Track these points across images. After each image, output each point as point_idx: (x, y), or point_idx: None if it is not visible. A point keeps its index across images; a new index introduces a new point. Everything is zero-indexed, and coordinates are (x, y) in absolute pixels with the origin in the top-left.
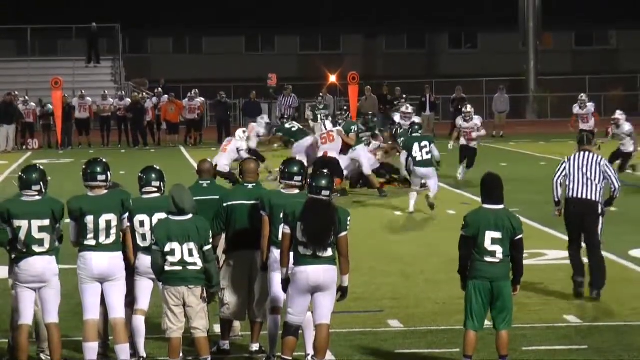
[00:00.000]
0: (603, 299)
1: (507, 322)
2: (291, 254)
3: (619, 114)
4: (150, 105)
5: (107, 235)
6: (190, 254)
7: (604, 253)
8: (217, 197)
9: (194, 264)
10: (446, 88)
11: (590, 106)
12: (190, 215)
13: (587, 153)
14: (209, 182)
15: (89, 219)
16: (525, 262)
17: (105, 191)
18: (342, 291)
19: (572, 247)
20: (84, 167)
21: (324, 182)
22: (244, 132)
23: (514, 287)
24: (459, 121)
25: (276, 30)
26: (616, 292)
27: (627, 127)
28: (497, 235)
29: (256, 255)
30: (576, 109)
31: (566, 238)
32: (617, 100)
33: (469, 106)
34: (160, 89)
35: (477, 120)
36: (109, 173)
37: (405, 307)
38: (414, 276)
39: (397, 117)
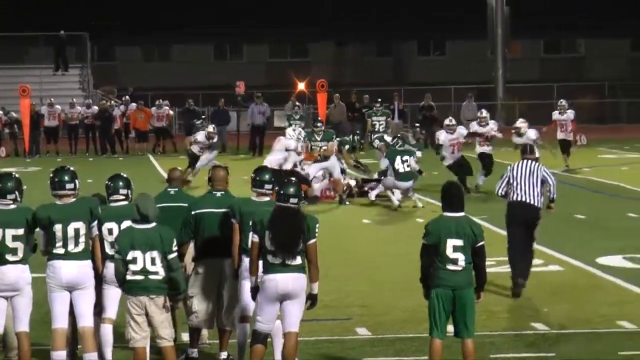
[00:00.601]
0: (571, 307)
1: (471, 331)
2: (260, 262)
3: (520, 122)
4: (118, 113)
5: (76, 244)
6: (153, 262)
7: (572, 260)
8: (184, 204)
9: (156, 273)
10: (415, 96)
11: (570, 113)
12: (153, 224)
13: (529, 161)
14: (176, 189)
15: (58, 228)
16: (492, 269)
17: (74, 199)
18: (312, 299)
19: (513, 249)
20: (51, 175)
21: (292, 189)
22: (293, 130)
23: (477, 294)
24: (474, 127)
25: (245, 38)
26: (584, 299)
27: (532, 134)
28: (459, 242)
29: (225, 263)
30: (555, 115)
31: (536, 245)
32: (585, 108)
33: (484, 111)
34: (128, 97)
35: (492, 124)
36: (76, 181)
37: (374, 314)
38: (383, 284)
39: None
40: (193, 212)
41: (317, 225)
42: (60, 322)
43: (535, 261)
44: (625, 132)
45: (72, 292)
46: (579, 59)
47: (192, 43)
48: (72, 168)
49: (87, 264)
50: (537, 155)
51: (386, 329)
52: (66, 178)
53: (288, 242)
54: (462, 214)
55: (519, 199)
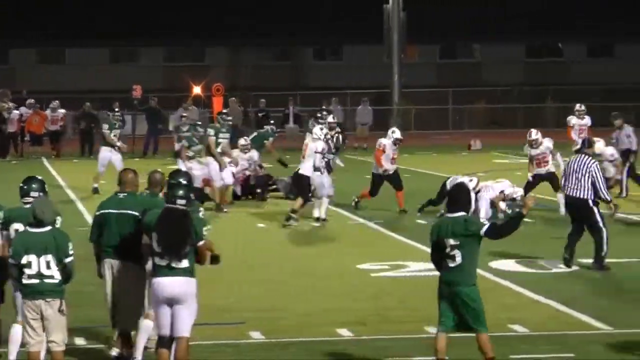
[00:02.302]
0: None
1: (478, 324)
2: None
3: (535, 134)
4: (16, 117)
5: None
6: (48, 266)
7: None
8: (133, 210)
9: (52, 277)
10: (311, 100)
11: (588, 119)
12: (48, 228)
13: (583, 156)
14: (125, 194)
15: None
16: (386, 273)
17: None
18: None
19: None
20: None
21: (180, 191)
22: (321, 129)
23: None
24: (526, 150)
25: (141, 41)
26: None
27: (549, 143)
28: (455, 241)
29: (125, 265)
30: (573, 120)
31: (427, 250)
32: (480, 113)
33: (533, 132)
34: (29, 100)
35: (548, 142)
36: None
37: (268, 319)
38: (278, 288)
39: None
40: (97, 213)
41: (206, 228)
42: None
43: (428, 265)
44: (520, 137)
45: None
46: (475, 65)
47: (88, 46)
48: None
49: None
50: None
51: (280, 333)
52: None
53: (174, 244)
54: (461, 214)
55: (567, 192)
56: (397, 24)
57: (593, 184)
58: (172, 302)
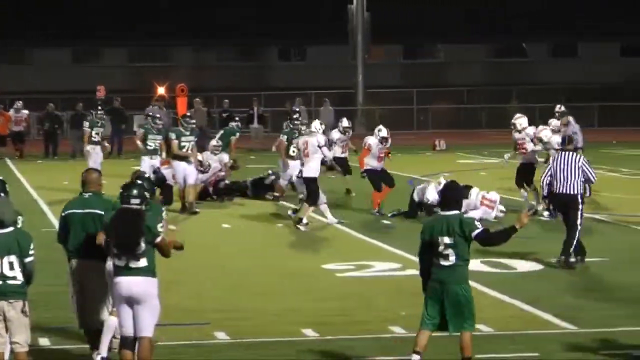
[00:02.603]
0: None
1: (464, 326)
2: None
3: (517, 117)
4: None
5: None
6: (11, 267)
7: None
8: (98, 209)
9: (14, 277)
10: (276, 101)
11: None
12: (11, 228)
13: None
14: (90, 194)
15: None
16: (351, 274)
17: None
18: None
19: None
20: None
21: (134, 191)
22: (320, 124)
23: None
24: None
25: (104, 41)
26: None
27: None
28: (449, 240)
29: (90, 264)
30: (554, 122)
31: (392, 250)
32: (444, 113)
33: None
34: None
35: (530, 130)
36: None
37: (233, 319)
38: (244, 288)
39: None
40: (63, 214)
41: (160, 225)
42: None
43: (393, 265)
44: (484, 138)
45: None
46: (439, 65)
47: (51, 46)
48: None
49: None
50: (577, 146)
51: (245, 333)
52: None
53: (128, 243)
54: (455, 212)
55: (557, 191)
56: (361, 24)
57: (585, 179)
58: (131, 301)
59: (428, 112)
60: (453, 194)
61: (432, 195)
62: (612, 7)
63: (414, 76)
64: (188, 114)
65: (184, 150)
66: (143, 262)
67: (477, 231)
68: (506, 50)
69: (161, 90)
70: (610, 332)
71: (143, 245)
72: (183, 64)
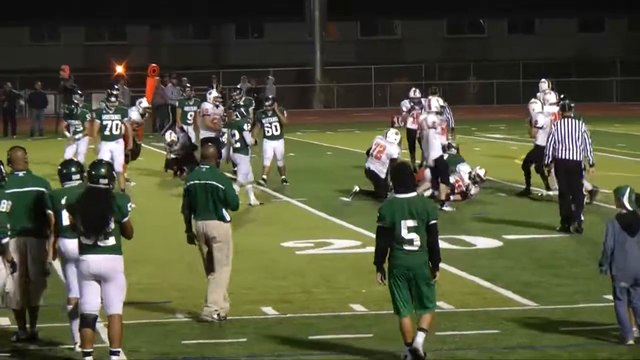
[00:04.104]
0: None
1: (430, 307)
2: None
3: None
4: None
5: None
6: None
7: None
8: (37, 186)
9: None
10: (233, 78)
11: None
12: None
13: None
14: (25, 172)
15: None
16: (312, 251)
17: None
18: None
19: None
20: None
21: (102, 170)
22: (396, 134)
23: (433, 274)
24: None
25: (61, 20)
26: None
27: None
28: (413, 223)
29: (29, 242)
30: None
31: (351, 227)
32: (402, 90)
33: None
34: None
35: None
36: None
37: (193, 298)
38: (201, 267)
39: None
40: (7, 192)
41: (130, 205)
42: None
43: (353, 243)
44: None
45: None
46: (396, 41)
47: (7, 25)
48: None
49: None
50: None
51: None
52: None
53: (96, 222)
54: (414, 194)
55: (561, 156)
56: (318, 0)
57: (584, 147)
58: (99, 279)
59: (386, 88)
60: (408, 175)
61: (394, 150)
62: None
63: (371, 53)
64: (114, 92)
65: (107, 129)
66: (112, 241)
67: (434, 221)
68: (464, 26)
69: (119, 70)
70: (569, 308)
71: (112, 224)
72: (140, 42)
